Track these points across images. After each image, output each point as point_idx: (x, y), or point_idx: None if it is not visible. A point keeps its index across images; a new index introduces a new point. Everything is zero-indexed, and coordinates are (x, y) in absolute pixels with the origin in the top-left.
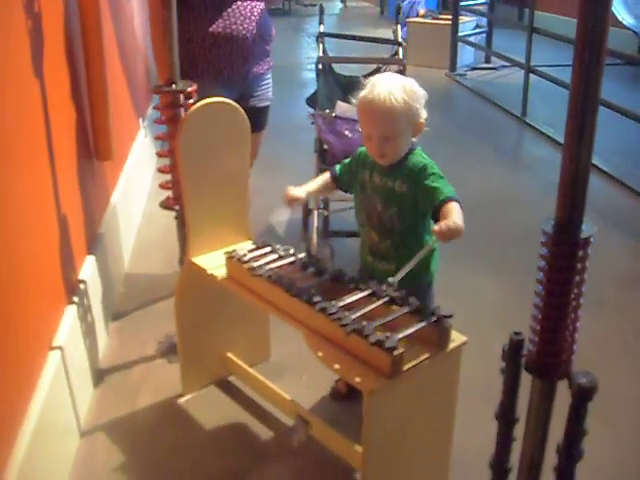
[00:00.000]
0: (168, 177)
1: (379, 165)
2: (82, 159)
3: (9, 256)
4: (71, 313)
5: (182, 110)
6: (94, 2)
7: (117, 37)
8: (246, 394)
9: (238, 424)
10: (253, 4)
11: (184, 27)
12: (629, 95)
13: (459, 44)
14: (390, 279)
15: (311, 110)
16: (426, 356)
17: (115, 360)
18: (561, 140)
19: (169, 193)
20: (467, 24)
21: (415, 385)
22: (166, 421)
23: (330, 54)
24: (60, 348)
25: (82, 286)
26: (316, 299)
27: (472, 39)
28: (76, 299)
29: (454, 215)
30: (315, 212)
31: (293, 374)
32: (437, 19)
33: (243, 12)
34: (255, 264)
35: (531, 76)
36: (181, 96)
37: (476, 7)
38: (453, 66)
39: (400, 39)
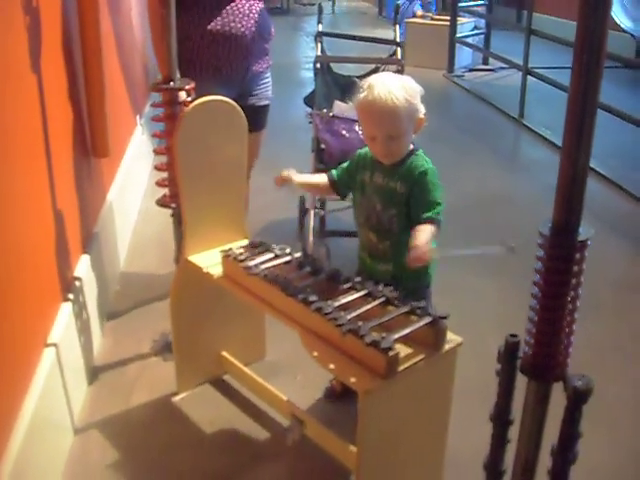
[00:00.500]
0: (165, 175)
1: (381, 165)
2: (78, 156)
3: (4, 253)
4: (66, 310)
5: (180, 108)
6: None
7: (115, 34)
8: (241, 393)
9: (232, 423)
10: (252, 2)
11: (183, 25)
12: (627, 98)
13: (457, 45)
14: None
15: (309, 109)
16: (421, 357)
17: (110, 358)
18: (558, 142)
19: (166, 191)
20: (465, 25)
21: (410, 386)
22: (160, 419)
23: (328, 53)
24: (55, 345)
25: (77, 283)
26: (312, 299)
27: (470, 40)
28: (71, 296)
29: (423, 236)
30: (311, 212)
31: (288, 373)
32: (435, 19)
33: (242, 10)
34: (251, 263)
35: (529, 78)
36: (179, 94)
37: (474, 8)
38: (451, 67)
39: (399, 39)
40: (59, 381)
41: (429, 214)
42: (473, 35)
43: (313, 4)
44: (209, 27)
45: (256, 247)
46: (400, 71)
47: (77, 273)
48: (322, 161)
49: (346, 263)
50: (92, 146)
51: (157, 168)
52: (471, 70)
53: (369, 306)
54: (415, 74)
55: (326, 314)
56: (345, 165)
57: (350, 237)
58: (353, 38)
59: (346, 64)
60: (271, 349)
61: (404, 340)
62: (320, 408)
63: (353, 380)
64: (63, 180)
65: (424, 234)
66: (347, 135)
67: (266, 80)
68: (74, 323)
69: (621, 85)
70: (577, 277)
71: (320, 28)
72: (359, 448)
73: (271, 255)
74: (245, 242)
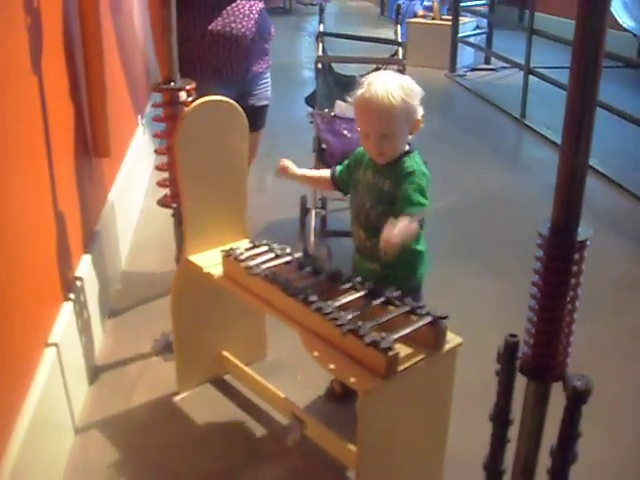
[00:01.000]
0: (166, 175)
1: (374, 163)
2: (80, 156)
3: (6, 252)
4: (67, 310)
5: (180, 108)
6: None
7: (116, 34)
8: (241, 393)
9: (233, 423)
10: (252, 2)
11: (183, 25)
12: (628, 98)
13: (459, 45)
14: None
15: (310, 109)
16: (421, 357)
17: (111, 357)
18: (560, 142)
19: (167, 191)
20: (467, 25)
21: (410, 386)
22: (161, 419)
23: (330, 53)
24: (56, 345)
25: (78, 283)
26: (312, 299)
27: (472, 40)
28: (72, 296)
29: (399, 225)
30: (313, 211)
31: (289, 373)
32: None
33: (242, 10)
34: (252, 263)
35: (530, 77)
36: (180, 94)
37: (476, 8)
38: (453, 67)
39: (400, 39)
40: (60, 381)
41: (410, 209)
42: (475, 35)
43: (315, 4)
44: (209, 27)
45: (257, 247)
46: (401, 71)
47: (78, 273)
48: (323, 161)
49: (347, 263)
50: (93, 146)
51: (158, 168)
52: (473, 70)
53: (369, 306)
54: (417, 74)
55: (326, 314)
56: (346, 162)
57: (351, 237)
58: (354, 38)
59: (348, 64)
60: (272, 349)
61: (404, 340)
62: (320, 408)
63: (353, 380)
64: (64, 180)
65: (396, 223)
66: (348, 135)
67: (266, 80)
68: (75, 323)
69: (623, 85)
70: (576, 277)
71: (321, 28)
72: (359, 448)
73: (272, 255)
74: (246, 242)
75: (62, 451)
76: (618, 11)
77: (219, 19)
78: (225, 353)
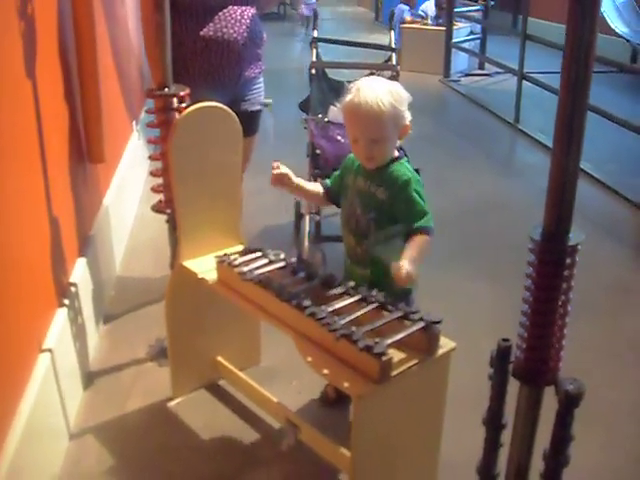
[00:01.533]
0: (160, 181)
1: (364, 169)
2: (74, 162)
3: (0, 258)
4: (62, 316)
5: (174, 114)
6: (87, 5)
7: (111, 39)
8: (236, 398)
9: (228, 428)
10: (243, 8)
11: (175, 31)
12: (623, 103)
13: (453, 50)
14: None
15: (304, 115)
16: (415, 362)
17: (105, 363)
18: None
19: (161, 197)
20: (461, 30)
21: (404, 390)
22: (156, 424)
23: (324, 59)
24: (50, 351)
25: (73, 289)
26: (306, 304)
27: (466, 45)
28: (67, 302)
29: (414, 256)
30: (307, 217)
31: (283, 379)
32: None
33: (234, 16)
34: (245, 268)
35: (524, 82)
36: (174, 100)
37: (470, 14)
38: (447, 72)
39: (394, 45)
40: (54, 386)
41: (421, 223)
42: (469, 40)
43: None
44: (201, 33)
45: (251, 252)
46: (395, 77)
47: (73, 278)
48: (317, 166)
49: (341, 268)
50: (88, 152)
51: (152, 174)
52: (467, 75)
53: (363, 311)
54: (411, 79)
55: (320, 319)
56: (337, 172)
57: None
58: (348, 44)
59: (342, 70)
60: (266, 354)
61: (397, 345)
62: (314, 413)
63: (347, 385)
64: (59, 186)
65: (413, 252)
66: (342, 140)
67: (259, 85)
68: (69, 328)
69: (617, 90)
70: (568, 282)
71: (315, 34)
72: (353, 452)
73: (266, 260)
74: (240, 247)
75: (56, 457)
76: (611, 17)
77: (211, 24)
78: (219, 358)
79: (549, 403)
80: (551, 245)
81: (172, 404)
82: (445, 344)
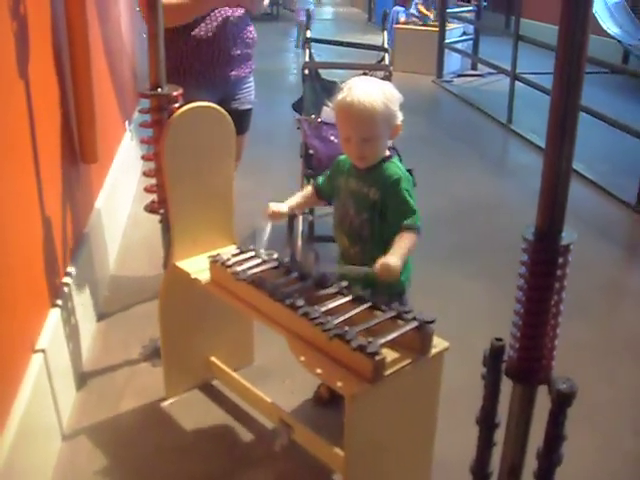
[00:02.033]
0: (153, 181)
1: (355, 170)
2: (67, 162)
3: None
4: (55, 316)
5: (167, 114)
6: (80, 6)
7: (103, 40)
8: (229, 398)
9: (221, 428)
10: (235, 8)
11: (167, 31)
12: (615, 104)
13: (446, 51)
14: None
15: (297, 115)
16: (408, 361)
17: (98, 363)
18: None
19: (154, 197)
20: (454, 31)
21: (397, 390)
22: (149, 424)
23: (317, 60)
24: (43, 351)
25: (66, 289)
26: (299, 304)
27: (459, 46)
28: (60, 302)
29: (398, 252)
30: (300, 217)
31: (276, 378)
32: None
33: (225, 16)
34: (239, 268)
35: (517, 83)
36: (167, 100)
37: (463, 14)
38: (440, 73)
39: (386, 45)
40: (47, 387)
41: (409, 222)
42: (462, 41)
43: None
44: (193, 33)
45: (244, 252)
46: (388, 77)
47: (66, 279)
48: (311, 167)
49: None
50: (81, 152)
51: (145, 174)
52: (460, 75)
53: (356, 311)
54: (404, 79)
55: (313, 319)
56: (327, 172)
57: None
58: (341, 44)
59: (335, 70)
60: (259, 354)
61: (391, 345)
62: (308, 413)
63: (340, 384)
64: (52, 186)
65: (400, 250)
66: (335, 141)
67: (249, 84)
68: (62, 329)
69: (609, 91)
70: (561, 281)
71: (309, 34)
72: (346, 452)
73: (259, 260)
74: (233, 247)
75: (50, 457)
76: (603, 18)
77: (202, 24)
78: (213, 358)
79: (542, 402)
80: (544, 245)
81: (165, 404)
82: (438, 344)
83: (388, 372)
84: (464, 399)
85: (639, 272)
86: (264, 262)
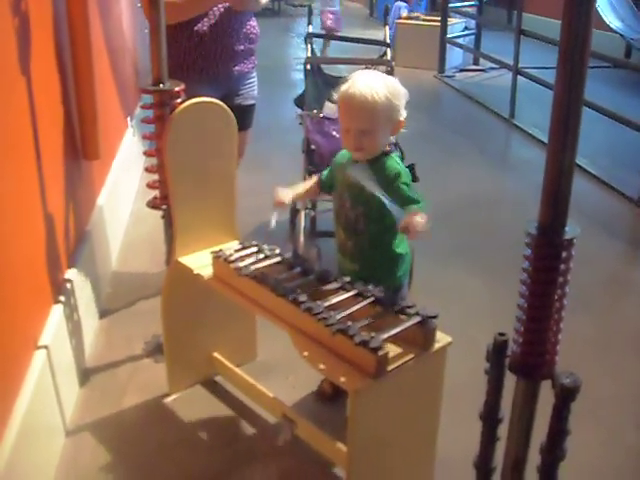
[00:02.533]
0: (155, 177)
1: (355, 164)
2: (69, 158)
3: None
4: (57, 312)
5: (169, 109)
6: (82, 1)
7: (105, 36)
8: (232, 394)
9: (224, 424)
10: None
11: (169, 27)
12: (617, 98)
13: (448, 46)
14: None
15: (299, 111)
16: (411, 356)
17: (101, 359)
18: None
19: (156, 192)
20: (456, 26)
21: (400, 385)
22: (152, 421)
23: (319, 54)
24: (46, 347)
25: (68, 285)
26: (302, 299)
27: (461, 41)
28: (62, 298)
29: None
30: (302, 212)
31: (279, 374)
32: (426, 20)
33: (227, 12)
34: (241, 264)
35: (519, 78)
36: (169, 95)
37: (465, 9)
38: (442, 67)
39: (388, 40)
40: (50, 383)
41: (416, 207)
42: (464, 36)
43: (304, 5)
44: (196, 28)
45: (246, 248)
46: (390, 72)
47: (68, 275)
48: (313, 162)
49: (336, 263)
50: (82, 149)
51: (148, 170)
52: (462, 70)
53: (359, 306)
54: (406, 74)
55: (316, 314)
56: (330, 166)
57: None
58: (342, 39)
59: (337, 65)
60: (262, 350)
61: (393, 340)
62: (311, 408)
63: (343, 380)
64: (54, 182)
65: (419, 214)
66: (337, 136)
67: (252, 80)
68: (65, 325)
69: (611, 85)
70: (564, 275)
71: (310, 29)
72: (349, 447)
73: (261, 256)
74: (235, 243)
75: (53, 453)
76: (605, 12)
77: (205, 20)
78: (216, 354)
79: (546, 397)
80: (547, 239)
81: (168, 400)
82: (441, 339)
83: (391, 367)
84: (467, 394)
85: None
86: (266, 257)
